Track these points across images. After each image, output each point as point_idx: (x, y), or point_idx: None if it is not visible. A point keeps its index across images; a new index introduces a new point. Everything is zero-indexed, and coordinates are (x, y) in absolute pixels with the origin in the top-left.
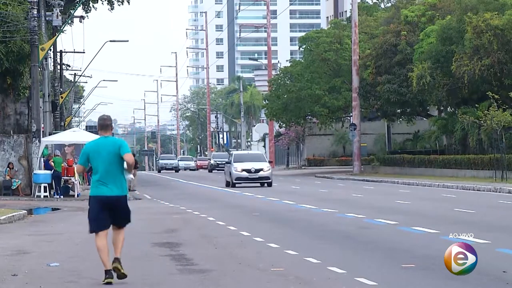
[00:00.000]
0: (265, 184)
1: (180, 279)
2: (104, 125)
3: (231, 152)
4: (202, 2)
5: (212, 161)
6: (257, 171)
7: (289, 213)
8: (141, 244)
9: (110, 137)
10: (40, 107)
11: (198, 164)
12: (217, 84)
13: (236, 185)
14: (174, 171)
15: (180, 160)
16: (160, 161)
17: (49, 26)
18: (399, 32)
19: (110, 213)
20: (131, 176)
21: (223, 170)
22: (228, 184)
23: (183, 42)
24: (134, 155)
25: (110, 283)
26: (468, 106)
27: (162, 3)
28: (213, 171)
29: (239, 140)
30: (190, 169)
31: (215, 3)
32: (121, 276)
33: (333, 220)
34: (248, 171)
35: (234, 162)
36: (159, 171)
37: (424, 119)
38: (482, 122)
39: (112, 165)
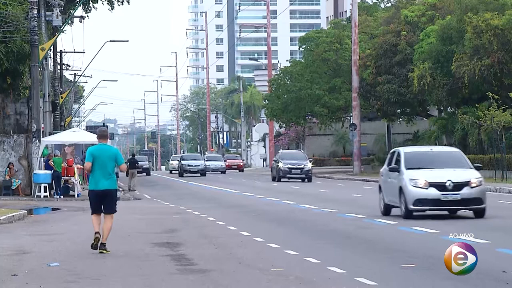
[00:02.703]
0: (474, 213)
1: (180, 279)
2: (103, 135)
3: (396, 150)
4: (202, 2)
5: (280, 165)
6: (458, 187)
7: (289, 213)
8: (141, 244)
9: (107, 144)
10: (40, 107)
11: (227, 164)
12: (217, 84)
13: (414, 213)
14: (199, 174)
15: (207, 161)
16: (183, 162)
17: (49, 26)
18: (399, 32)
19: (102, 201)
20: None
21: (297, 177)
22: (387, 211)
23: (183, 42)
24: (133, 154)
25: (98, 238)
26: (468, 106)
27: (162, 3)
28: (283, 179)
29: (239, 140)
30: (220, 171)
31: (215, 3)
32: (103, 250)
33: (333, 220)
34: (441, 187)
35: (408, 168)
36: (181, 175)
37: (424, 119)
38: (482, 122)
39: (107, 166)
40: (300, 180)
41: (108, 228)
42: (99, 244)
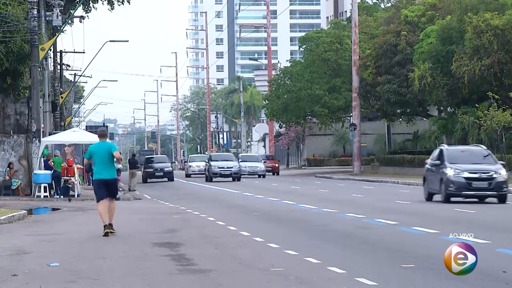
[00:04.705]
0: None
1: (180, 279)
2: (103, 134)
3: None
4: (202, 2)
5: (450, 172)
6: None
7: (289, 213)
8: (141, 244)
9: (106, 142)
10: (40, 107)
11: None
12: (217, 84)
13: None
14: (232, 179)
15: (241, 161)
16: (212, 163)
17: (49, 26)
18: (399, 32)
19: (105, 188)
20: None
21: (482, 194)
22: None
23: (183, 42)
24: (134, 155)
25: (107, 233)
26: (468, 106)
27: (162, 3)
28: (453, 198)
29: (239, 140)
30: (258, 175)
31: (215, 3)
32: (112, 233)
33: (333, 220)
34: None
35: None
36: (209, 180)
37: (424, 119)
38: (482, 122)
39: (107, 159)
40: (477, 200)
41: (112, 210)
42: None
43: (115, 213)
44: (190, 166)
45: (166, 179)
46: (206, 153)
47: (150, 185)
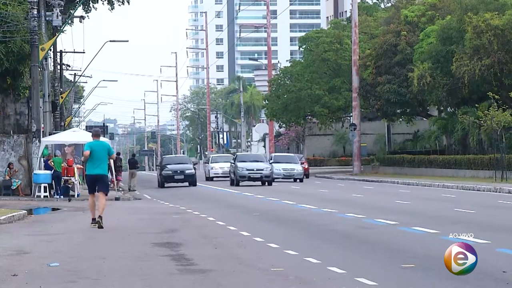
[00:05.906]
0: None
1: (180, 279)
2: (97, 134)
3: None
4: (202, 2)
5: None
6: None
7: (289, 213)
8: (141, 244)
9: (100, 140)
10: (40, 107)
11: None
12: (217, 84)
13: None
14: (261, 183)
15: (274, 162)
16: (239, 164)
17: (49, 26)
18: (399, 32)
19: (96, 183)
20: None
21: None
22: None
23: (183, 42)
24: (134, 155)
25: (95, 225)
26: (468, 106)
27: (162, 3)
28: None
29: (239, 140)
30: (294, 178)
31: (215, 3)
32: (100, 227)
33: (333, 220)
34: None
35: None
36: (236, 183)
37: (424, 119)
38: (482, 122)
39: (101, 156)
40: None
41: (102, 204)
42: (96, 219)
43: (104, 207)
44: (212, 168)
45: (187, 183)
46: (206, 153)
47: (150, 185)
